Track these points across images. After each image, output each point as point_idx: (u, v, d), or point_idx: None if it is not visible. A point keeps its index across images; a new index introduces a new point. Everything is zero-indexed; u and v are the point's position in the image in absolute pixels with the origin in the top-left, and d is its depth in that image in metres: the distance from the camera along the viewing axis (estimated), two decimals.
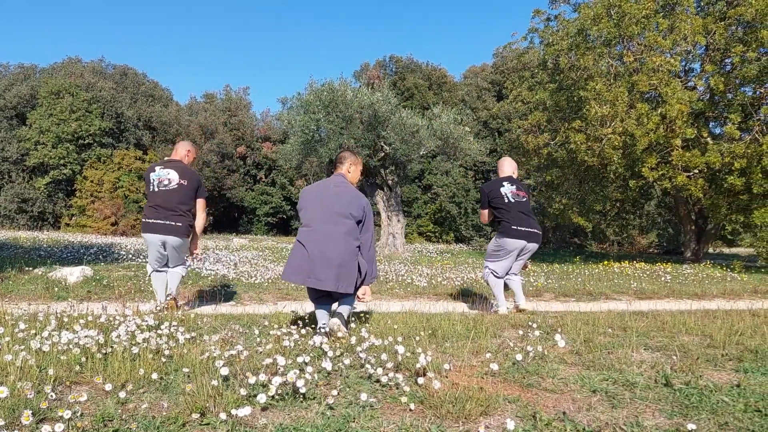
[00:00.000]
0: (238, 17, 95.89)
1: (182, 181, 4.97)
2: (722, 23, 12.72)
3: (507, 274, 5.45)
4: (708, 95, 13.78)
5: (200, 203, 5.16)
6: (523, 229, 5.22)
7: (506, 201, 5.27)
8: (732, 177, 11.95)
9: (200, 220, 5.20)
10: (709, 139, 13.41)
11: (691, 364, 3.00)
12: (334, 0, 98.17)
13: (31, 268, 7.40)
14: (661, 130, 12.31)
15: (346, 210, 3.73)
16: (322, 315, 3.81)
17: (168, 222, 4.86)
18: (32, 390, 2.25)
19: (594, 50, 13.09)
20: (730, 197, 12.88)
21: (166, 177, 4.97)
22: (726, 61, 13.38)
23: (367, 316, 4.49)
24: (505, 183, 5.36)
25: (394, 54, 40.76)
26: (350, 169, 4.02)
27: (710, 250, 23.38)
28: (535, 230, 5.29)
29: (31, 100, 30.95)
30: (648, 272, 10.18)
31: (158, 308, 4.70)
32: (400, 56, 38.83)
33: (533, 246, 5.32)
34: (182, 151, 5.21)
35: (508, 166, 5.53)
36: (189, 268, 5.48)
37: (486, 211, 5.49)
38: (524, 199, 5.32)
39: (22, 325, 3.30)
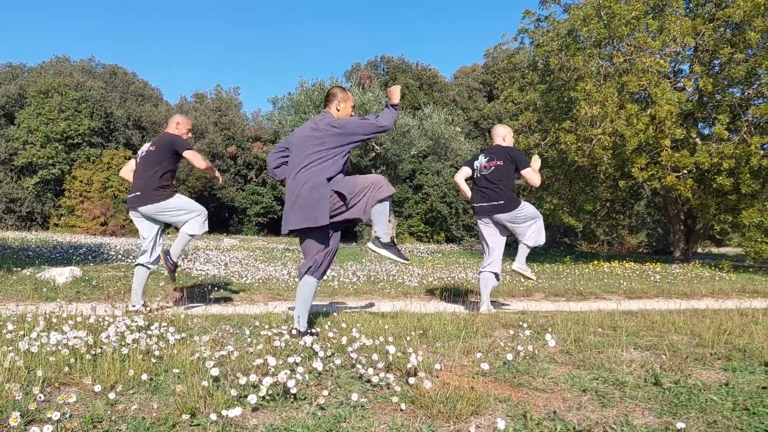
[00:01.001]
0: (229, 17, 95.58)
1: (151, 148, 4.78)
2: (711, 24, 12.84)
3: (496, 267, 5.22)
4: (697, 96, 13.91)
5: (188, 155, 4.71)
6: (481, 204, 5.07)
7: (476, 176, 5.16)
8: (720, 177, 12.05)
9: (199, 164, 4.73)
10: (698, 139, 13.53)
11: (680, 363, 3.02)
12: (326, 0, 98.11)
13: (19, 269, 7.32)
14: (650, 131, 12.39)
15: (319, 132, 3.63)
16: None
17: (136, 194, 4.70)
18: (20, 391, 2.22)
19: (584, 51, 13.17)
20: (719, 197, 13.00)
21: (144, 150, 4.85)
22: (714, 62, 13.52)
23: (358, 316, 4.48)
24: (480, 156, 5.21)
25: (386, 54, 40.87)
26: (339, 107, 3.86)
27: (699, 250, 23.57)
28: (495, 202, 4.98)
29: (19, 99, 30.70)
30: (637, 272, 10.25)
31: (129, 309, 4.48)
32: (391, 56, 38.95)
33: (502, 216, 5.01)
34: (171, 124, 5.00)
35: (496, 135, 5.31)
36: (196, 234, 4.96)
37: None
38: (492, 169, 5.01)
39: (10, 326, 3.27)
